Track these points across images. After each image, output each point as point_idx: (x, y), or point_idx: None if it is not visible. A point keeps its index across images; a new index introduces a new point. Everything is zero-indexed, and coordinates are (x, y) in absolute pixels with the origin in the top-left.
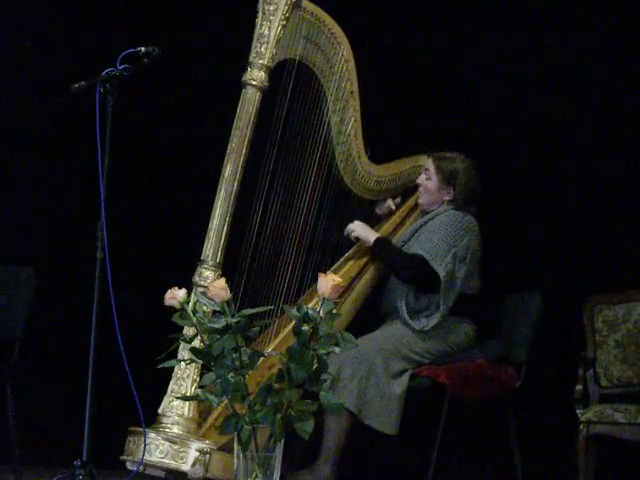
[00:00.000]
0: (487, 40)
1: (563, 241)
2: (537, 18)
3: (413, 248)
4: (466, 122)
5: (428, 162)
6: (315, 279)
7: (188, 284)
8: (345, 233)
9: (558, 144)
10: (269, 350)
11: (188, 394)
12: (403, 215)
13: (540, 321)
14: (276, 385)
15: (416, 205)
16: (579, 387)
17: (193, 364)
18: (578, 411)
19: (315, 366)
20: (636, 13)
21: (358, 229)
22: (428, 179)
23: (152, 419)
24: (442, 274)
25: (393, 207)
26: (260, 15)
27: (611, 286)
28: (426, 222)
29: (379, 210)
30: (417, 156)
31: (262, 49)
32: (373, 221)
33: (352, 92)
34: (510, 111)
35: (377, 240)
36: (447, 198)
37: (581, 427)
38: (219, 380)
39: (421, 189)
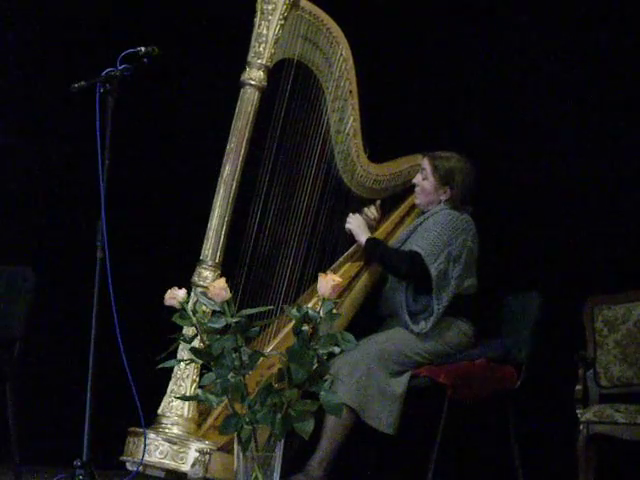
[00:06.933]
0: (487, 39)
1: (563, 241)
2: (538, 17)
3: (409, 246)
4: (465, 121)
5: (424, 162)
6: (314, 278)
7: (188, 284)
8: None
9: (558, 143)
10: (268, 350)
11: (188, 394)
12: (402, 214)
13: (540, 321)
14: (276, 385)
15: (415, 204)
16: (579, 387)
17: (192, 364)
18: (578, 411)
19: (315, 366)
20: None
21: (353, 225)
22: (425, 179)
23: (152, 419)
24: (434, 273)
25: (375, 213)
26: (258, 15)
27: (611, 286)
28: (422, 222)
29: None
30: (416, 155)
31: (260, 49)
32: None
33: (351, 91)
34: (510, 110)
35: (369, 240)
36: (444, 198)
37: (581, 427)
38: (219, 380)
39: (417, 189)
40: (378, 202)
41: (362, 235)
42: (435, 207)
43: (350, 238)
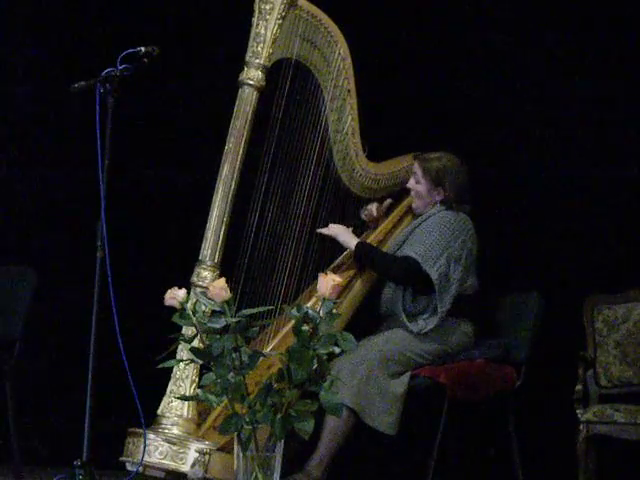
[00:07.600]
0: (486, 38)
1: (563, 241)
2: (539, 16)
3: (406, 250)
4: (464, 120)
5: (415, 165)
6: (313, 278)
7: (187, 284)
8: (323, 231)
9: (557, 142)
10: (268, 350)
11: (187, 395)
12: (401, 214)
13: (540, 321)
14: (276, 385)
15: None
16: (579, 387)
17: (192, 364)
18: (578, 411)
19: (315, 366)
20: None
21: (339, 233)
22: (417, 182)
23: (152, 420)
24: (434, 277)
25: (374, 213)
26: (256, 14)
27: (611, 286)
28: (419, 224)
29: (364, 216)
30: (414, 154)
31: (259, 48)
32: (358, 230)
33: (349, 90)
34: (509, 109)
35: (359, 244)
36: (439, 198)
37: (581, 427)
38: (219, 380)
39: (413, 193)
40: (389, 201)
41: (351, 241)
42: (431, 209)
43: (333, 244)
